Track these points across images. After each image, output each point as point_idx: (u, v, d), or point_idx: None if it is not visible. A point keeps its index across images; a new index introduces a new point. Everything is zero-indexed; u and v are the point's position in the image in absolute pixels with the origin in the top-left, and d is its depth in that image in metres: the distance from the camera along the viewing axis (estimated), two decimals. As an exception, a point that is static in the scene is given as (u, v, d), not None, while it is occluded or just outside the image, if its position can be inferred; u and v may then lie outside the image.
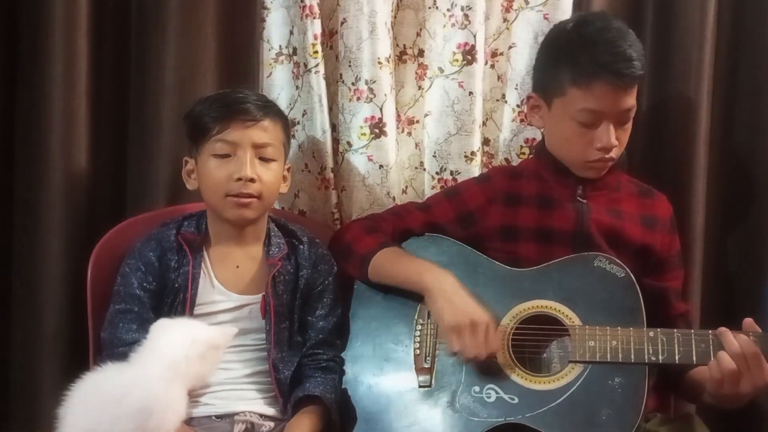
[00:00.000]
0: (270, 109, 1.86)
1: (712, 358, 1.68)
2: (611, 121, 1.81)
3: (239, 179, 1.78)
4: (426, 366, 1.81)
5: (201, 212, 1.90)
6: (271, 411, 1.82)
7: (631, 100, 1.82)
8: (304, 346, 1.87)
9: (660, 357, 1.70)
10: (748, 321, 1.71)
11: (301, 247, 1.90)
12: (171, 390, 1.56)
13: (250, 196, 1.79)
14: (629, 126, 1.86)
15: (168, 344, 1.61)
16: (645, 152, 2.15)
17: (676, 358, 1.70)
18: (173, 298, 1.81)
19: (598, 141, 1.82)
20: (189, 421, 1.70)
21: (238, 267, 1.87)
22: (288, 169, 1.92)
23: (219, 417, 1.78)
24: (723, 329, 1.69)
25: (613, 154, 1.84)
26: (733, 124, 2.20)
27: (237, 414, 1.79)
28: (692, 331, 1.73)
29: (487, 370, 1.77)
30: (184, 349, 1.58)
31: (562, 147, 1.88)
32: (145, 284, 1.81)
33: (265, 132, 1.82)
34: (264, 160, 1.82)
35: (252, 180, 1.79)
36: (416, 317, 1.86)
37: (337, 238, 1.98)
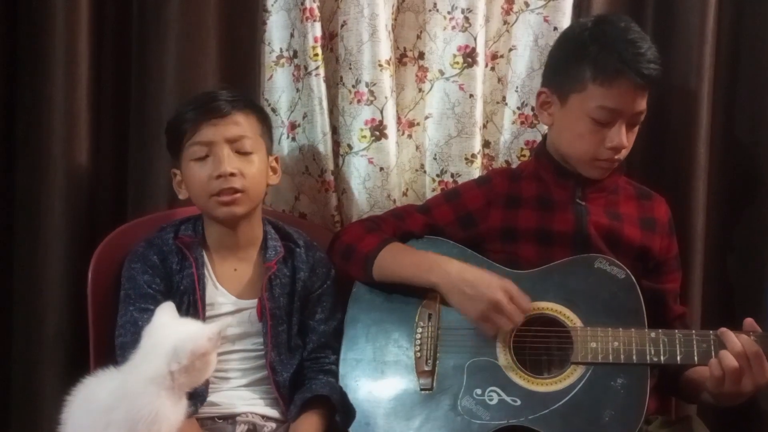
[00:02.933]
0: (240, 102, 1.85)
1: (714, 358, 1.68)
2: (625, 122, 1.82)
3: (219, 176, 1.78)
4: (427, 369, 1.81)
5: (198, 215, 1.91)
6: (273, 412, 1.82)
7: (644, 103, 1.84)
8: (303, 349, 1.87)
9: (662, 358, 1.71)
10: (749, 321, 1.71)
11: (298, 250, 1.90)
12: (158, 402, 1.52)
13: (234, 191, 1.79)
14: (636, 130, 1.87)
15: (152, 359, 1.56)
16: (646, 153, 2.15)
17: (678, 358, 1.71)
18: (179, 300, 1.80)
19: (609, 140, 1.82)
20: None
21: (235, 270, 1.87)
22: (276, 160, 1.92)
23: (221, 418, 1.78)
24: (724, 329, 1.69)
25: (622, 155, 1.85)
26: (733, 125, 2.21)
27: (239, 415, 1.79)
28: (693, 331, 1.74)
29: (489, 372, 1.77)
30: (166, 364, 1.53)
31: (572, 143, 1.88)
32: (153, 285, 1.80)
33: (238, 126, 1.82)
34: (242, 153, 1.81)
35: (232, 174, 1.78)
36: (416, 320, 1.86)
37: (338, 239, 1.97)
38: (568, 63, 1.86)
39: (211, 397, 1.78)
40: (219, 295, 1.84)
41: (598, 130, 1.83)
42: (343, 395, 1.83)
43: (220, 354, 1.73)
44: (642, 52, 1.79)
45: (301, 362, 1.85)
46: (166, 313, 1.63)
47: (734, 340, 1.67)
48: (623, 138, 1.82)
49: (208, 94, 1.87)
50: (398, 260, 1.86)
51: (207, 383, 1.71)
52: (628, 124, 1.83)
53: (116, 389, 1.54)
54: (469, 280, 1.78)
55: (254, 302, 1.84)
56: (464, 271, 1.80)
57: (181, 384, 1.54)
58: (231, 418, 1.79)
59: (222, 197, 1.79)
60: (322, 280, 1.91)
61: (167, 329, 1.59)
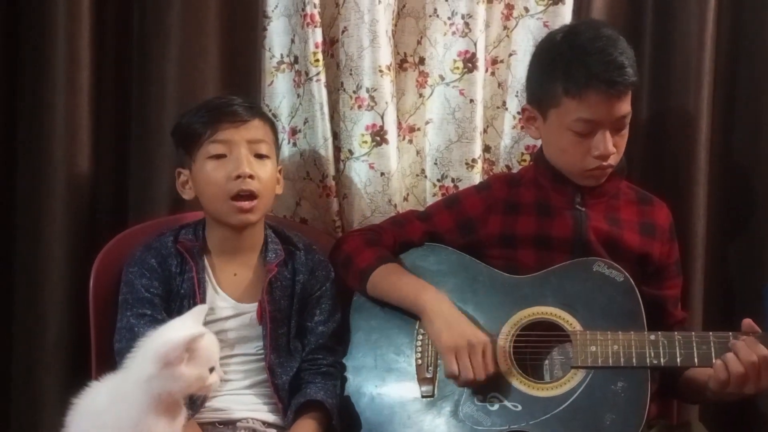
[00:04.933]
0: (257, 110, 1.90)
1: (714, 359, 1.68)
2: (607, 129, 1.81)
3: (238, 177, 1.79)
4: (428, 376, 1.81)
5: (198, 221, 1.91)
6: (273, 418, 1.82)
7: (626, 107, 1.82)
8: (302, 352, 1.87)
9: (662, 360, 1.70)
10: (747, 322, 1.71)
11: (298, 253, 1.91)
12: (142, 408, 1.49)
13: (251, 194, 1.80)
14: (626, 132, 1.86)
15: (139, 362, 1.53)
16: (646, 158, 2.16)
17: (678, 360, 1.71)
18: (179, 304, 1.81)
19: (595, 149, 1.81)
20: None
21: (236, 275, 1.87)
22: (280, 171, 1.93)
23: (222, 423, 1.78)
24: (744, 337, 1.68)
25: (612, 161, 1.84)
26: (733, 130, 2.21)
27: (239, 421, 1.79)
28: (693, 333, 1.74)
29: (490, 378, 1.76)
30: (143, 368, 1.49)
31: (559, 157, 1.88)
32: (151, 289, 1.80)
33: (257, 129, 1.84)
34: (259, 157, 1.83)
35: (251, 177, 1.79)
36: (417, 327, 1.85)
37: (337, 248, 1.97)
38: (541, 78, 1.86)
39: (212, 402, 1.77)
40: (219, 300, 1.84)
41: (581, 141, 1.82)
42: (346, 403, 1.83)
43: (221, 359, 1.72)
44: (611, 59, 1.77)
45: (299, 365, 1.85)
46: (187, 316, 1.60)
47: (748, 350, 1.65)
48: (608, 145, 1.81)
49: (225, 98, 1.88)
50: (391, 282, 1.86)
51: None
52: (613, 129, 1.81)
53: (110, 392, 1.53)
54: (456, 317, 1.78)
55: (254, 306, 1.84)
56: (456, 310, 1.80)
57: (160, 393, 1.49)
58: (231, 424, 1.78)
59: (240, 203, 1.79)
60: (321, 282, 1.91)
61: (162, 331, 1.57)
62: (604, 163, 1.83)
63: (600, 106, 1.78)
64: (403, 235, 1.96)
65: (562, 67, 1.80)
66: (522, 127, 2.14)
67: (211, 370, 1.54)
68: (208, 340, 1.54)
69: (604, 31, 1.83)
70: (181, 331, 1.52)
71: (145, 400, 1.49)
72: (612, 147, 1.81)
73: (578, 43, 1.80)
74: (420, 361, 1.83)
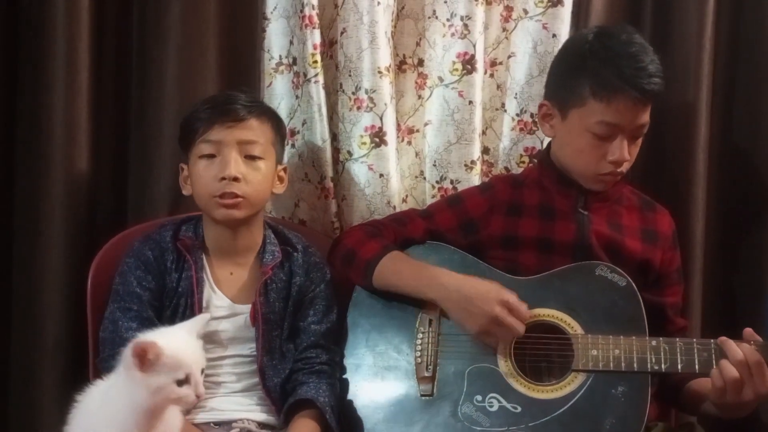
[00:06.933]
0: (257, 108, 1.87)
1: (714, 367, 1.69)
2: (626, 136, 1.81)
3: (223, 178, 1.79)
4: (427, 375, 1.81)
5: (198, 216, 1.91)
6: (269, 419, 1.82)
7: (646, 117, 1.83)
8: (295, 353, 1.86)
9: (663, 366, 1.71)
10: (749, 331, 1.72)
11: (296, 254, 1.91)
12: (124, 413, 1.48)
13: (235, 196, 1.79)
14: (640, 142, 1.86)
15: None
16: (644, 159, 2.14)
17: (679, 366, 1.71)
18: (176, 301, 1.81)
19: (611, 154, 1.82)
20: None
21: (231, 274, 1.87)
22: (284, 170, 1.93)
23: (217, 424, 1.78)
24: (724, 339, 1.69)
25: (624, 168, 1.85)
26: (732, 132, 2.21)
27: (235, 421, 1.79)
28: (694, 339, 1.74)
29: (490, 378, 1.77)
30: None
31: (573, 158, 1.88)
32: (144, 283, 1.80)
33: (251, 130, 1.83)
34: (251, 158, 1.82)
35: (236, 179, 1.79)
36: (417, 325, 1.85)
37: (339, 242, 1.97)
38: (568, 77, 1.86)
39: (207, 403, 1.77)
40: (215, 299, 1.84)
41: (599, 145, 1.82)
42: (344, 401, 1.83)
43: (213, 359, 1.76)
44: (643, 66, 1.78)
45: (293, 365, 1.84)
46: (187, 323, 1.59)
47: (735, 348, 1.67)
48: (624, 152, 1.81)
49: (228, 95, 1.87)
50: (398, 271, 1.85)
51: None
52: (630, 137, 1.82)
53: (103, 393, 1.53)
54: (466, 296, 1.77)
55: (248, 307, 1.83)
56: (462, 285, 1.79)
57: (150, 401, 1.47)
58: (227, 424, 1.78)
59: (223, 200, 1.80)
60: (316, 284, 1.91)
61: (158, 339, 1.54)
62: (617, 170, 1.84)
63: (626, 111, 1.78)
64: (404, 232, 1.95)
65: (593, 68, 1.79)
66: (521, 129, 2.14)
67: (183, 382, 1.46)
68: (175, 350, 1.46)
69: (637, 38, 1.83)
70: (160, 336, 1.50)
71: (128, 403, 1.48)
72: (627, 154, 1.82)
73: (611, 46, 1.80)
74: (420, 360, 1.82)
